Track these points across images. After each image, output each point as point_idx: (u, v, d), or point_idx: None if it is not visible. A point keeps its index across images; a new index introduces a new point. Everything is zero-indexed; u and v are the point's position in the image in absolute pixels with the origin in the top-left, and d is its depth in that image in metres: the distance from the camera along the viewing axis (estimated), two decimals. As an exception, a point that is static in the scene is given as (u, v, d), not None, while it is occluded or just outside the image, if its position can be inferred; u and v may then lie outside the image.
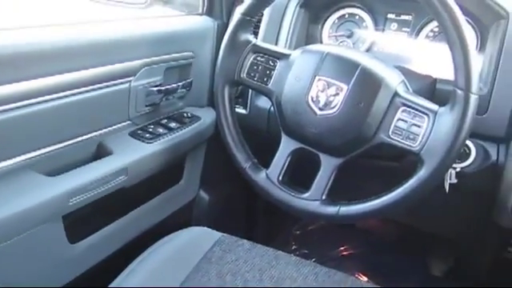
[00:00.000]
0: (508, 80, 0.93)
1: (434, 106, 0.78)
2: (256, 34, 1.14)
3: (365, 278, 1.49)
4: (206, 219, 1.35)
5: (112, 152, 0.96)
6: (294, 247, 1.64)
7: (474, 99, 0.74)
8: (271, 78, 0.91)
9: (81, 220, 0.94)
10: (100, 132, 0.98)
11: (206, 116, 1.19)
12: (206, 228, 0.97)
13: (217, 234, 0.94)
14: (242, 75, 0.93)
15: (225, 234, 0.94)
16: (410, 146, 0.79)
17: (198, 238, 0.94)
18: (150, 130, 1.07)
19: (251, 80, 0.93)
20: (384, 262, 1.53)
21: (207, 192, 1.34)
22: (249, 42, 0.93)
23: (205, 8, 1.23)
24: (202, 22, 1.21)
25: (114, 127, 1.01)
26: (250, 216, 1.59)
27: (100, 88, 0.94)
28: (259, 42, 0.95)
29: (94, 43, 0.92)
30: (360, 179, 1.08)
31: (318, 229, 1.69)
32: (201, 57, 1.19)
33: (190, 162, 1.23)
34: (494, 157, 0.95)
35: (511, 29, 0.94)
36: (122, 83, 0.99)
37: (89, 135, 0.96)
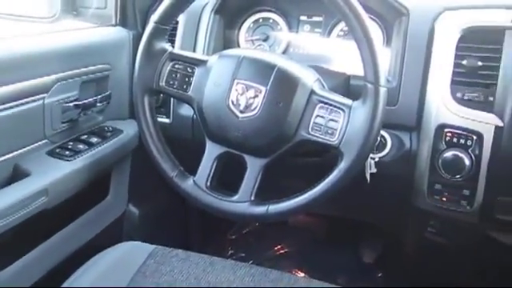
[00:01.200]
0: (414, 73, 1.00)
1: (348, 101, 0.82)
2: (173, 41, 1.14)
3: (302, 274, 1.52)
4: (138, 233, 1.32)
5: (30, 173, 0.92)
6: (230, 252, 1.65)
7: (383, 91, 0.79)
8: (190, 84, 0.91)
9: (1, 247, 0.88)
10: (15, 153, 0.93)
11: (129, 128, 1.17)
12: (137, 242, 0.95)
13: (150, 247, 0.92)
14: (160, 84, 0.93)
15: (158, 246, 0.93)
16: (330, 140, 0.82)
17: (130, 252, 0.92)
18: (70, 147, 1.03)
19: (170, 88, 0.93)
20: (319, 256, 1.58)
21: (137, 205, 1.31)
22: (165, 50, 0.93)
23: (118, 19, 1.21)
24: (116, 33, 1.19)
25: (30, 147, 0.97)
26: (184, 225, 1.57)
27: (11, 107, 0.90)
28: (176, 49, 0.95)
29: (0, 61, 0.88)
30: (287, 177, 1.10)
31: (252, 231, 1.71)
32: (118, 68, 1.17)
33: (116, 176, 1.20)
34: (407, 145, 1.01)
35: (412, 25, 1.01)
36: (34, 101, 0.95)
37: (3, 157, 0.91)
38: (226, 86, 0.87)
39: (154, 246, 0.92)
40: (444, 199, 0.98)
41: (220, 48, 1.13)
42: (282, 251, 1.67)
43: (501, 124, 0.90)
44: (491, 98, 0.92)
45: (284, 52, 1.16)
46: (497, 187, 0.93)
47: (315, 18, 1.14)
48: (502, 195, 0.94)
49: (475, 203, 0.95)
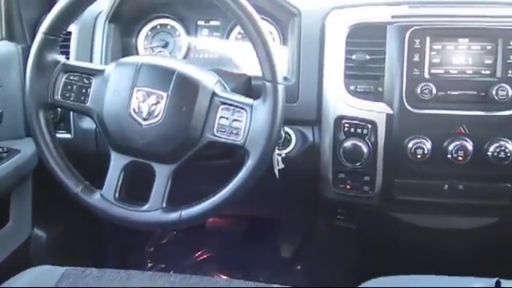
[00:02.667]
0: (310, 69, 1.05)
1: (250, 100, 0.84)
2: (68, 53, 1.10)
3: (224, 277, 1.53)
4: (48, 257, 1.24)
5: None
6: (149, 265, 1.61)
7: (281, 89, 0.82)
8: (88, 96, 0.88)
9: None
10: None
11: (26, 147, 1.10)
12: (47, 266, 0.90)
13: (60, 270, 0.88)
14: (55, 97, 0.89)
15: (69, 268, 0.88)
16: (235, 140, 0.83)
17: (40, 277, 0.87)
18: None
19: (67, 101, 0.89)
20: (239, 256, 1.59)
21: (43, 228, 1.24)
22: (57, 61, 0.89)
23: (3, 32, 1.13)
24: (3, 48, 1.12)
25: None
26: (99, 243, 1.51)
27: None
28: (70, 60, 0.91)
29: None
30: (200, 182, 1.10)
31: (171, 241, 1.68)
32: (8, 85, 1.09)
33: (16, 199, 1.12)
34: (310, 138, 1.06)
35: (305, 24, 1.06)
36: None
37: None
38: (126, 94, 0.85)
39: (65, 268, 0.88)
40: (348, 187, 1.04)
41: (118, 57, 1.10)
42: (202, 257, 1.67)
43: (391, 112, 0.98)
44: (380, 89, 0.99)
45: (185, 57, 1.16)
46: (393, 170, 1.01)
47: (212, 23, 1.16)
48: (399, 177, 1.01)
49: (376, 187, 1.02)
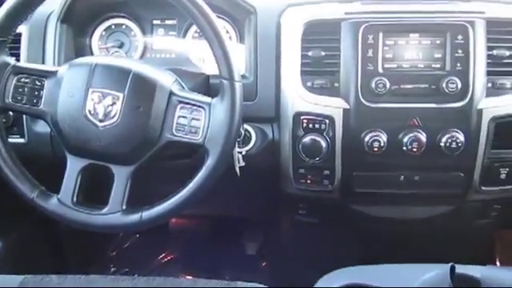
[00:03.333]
0: (268, 67, 1.05)
1: (208, 99, 0.84)
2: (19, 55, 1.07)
3: (189, 277, 1.52)
4: (4, 266, 1.20)
5: None
6: (113, 269, 1.58)
7: (238, 86, 0.82)
8: (41, 98, 0.86)
9: None
10: None
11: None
12: (3, 275, 0.87)
13: (18, 278, 0.85)
14: (6, 100, 0.86)
15: (28, 276, 0.86)
16: (194, 139, 0.83)
17: (-5, 288, 0.84)
18: None
19: (19, 104, 0.86)
20: (204, 256, 1.59)
21: (-2, 236, 1.20)
22: (7, 63, 0.86)
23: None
24: None
25: None
26: (59, 249, 1.47)
27: None
28: (21, 62, 0.89)
29: None
30: (160, 183, 1.09)
31: (134, 244, 1.66)
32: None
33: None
34: (270, 135, 1.07)
35: (261, 22, 1.07)
36: None
37: None
38: (81, 95, 0.83)
39: (23, 277, 0.85)
40: (309, 181, 1.05)
41: (71, 58, 1.07)
42: (167, 258, 1.65)
43: (347, 106, 0.99)
44: (337, 84, 1.01)
45: (141, 57, 1.14)
46: (351, 164, 1.03)
47: (168, 22, 1.15)
48: (357, 170, 1.04)
49: (336, 181, 1.04)
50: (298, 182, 1.06)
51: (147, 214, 0.85)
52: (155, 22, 1.15)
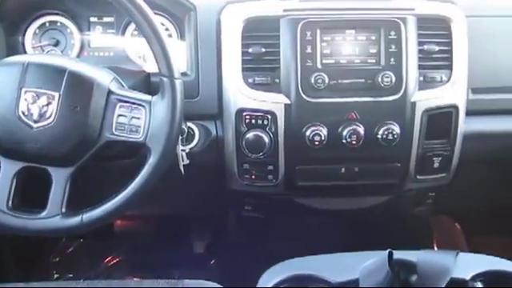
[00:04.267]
0: (209, 64, 1.05)
1: (148, 97, 0.83)
2: None
3: (136, 279, 1.50)
4: None
5: None
6: (56, 276, 1.53)
7: (178, 83, 0.82)
8: None
9: None
10: None
11: None
12: None
13: None
14: None
15: None
16: (135, 138, 0.82)
17: None
18: None
19: None
20: (152, 257, 1.57)
21: None
22: None
23: None
24: None
25: None
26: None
27: None
28: None
29: None
30: (102, 184, 1.07)
31: (77, 249, 1.61)
32: None
33: None
34: (213, 132, 1.07)
35: (201, 19, 1.06)
36: None
37: None
38: (13, 96, 0.80)
39: None
40: (253, 177, 1.06)
41: (2, 57, 1.03)
42: (113, 261, 1.61)
43: (288, 102, 1.01)
44: (277, 80, 1.02)
45: (78, 56, 1.11)
46: (294, 158, 1.05)
47: (106, 19, 1.12)
48: (300, 164, 1.06)
49: (279, 175, 1.06)
50: (242, 178, 1.07)
51: (88, 216, 0.83)
52: (92, 19, 1.12)
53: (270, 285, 0.78)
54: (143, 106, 0.82)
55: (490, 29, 1.14)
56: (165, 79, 0.82)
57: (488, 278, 0.77)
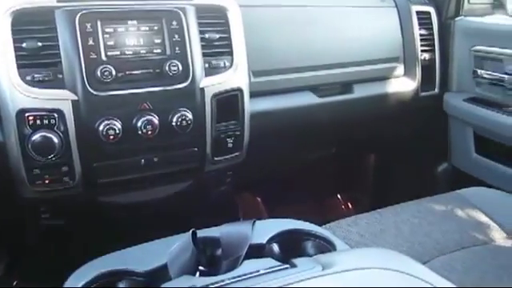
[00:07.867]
0: None
1: None
2: None
3: None
4: None
5: None
6: None
7: None
8: None
9: None
10: None
11: None
12: None
13: None
14: None
15: None
16: None
17: None
18: None
19: None
20: None
21: None
22: None
23: None
24: None
25: None
26: None
27: None
28: None
29: None
30: None
31: None
32: None
33: None
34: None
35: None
36: None
37: None
38: None
39: None
40: (47, 181, 0.99)
41: None
42: None
43: (75, 98, 0.96)
44: (60, 76, 0.96)
45: None
46: (89, 155, 1.01)
47: None
48: (97, 161, 1.02)
49: (76, 176, 1.01)
50: (34, 185, 0.98)
51: None
52: None
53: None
54: None
55: (263, 17, 1.26)
56: None
57: (282, 238, 0.85)
